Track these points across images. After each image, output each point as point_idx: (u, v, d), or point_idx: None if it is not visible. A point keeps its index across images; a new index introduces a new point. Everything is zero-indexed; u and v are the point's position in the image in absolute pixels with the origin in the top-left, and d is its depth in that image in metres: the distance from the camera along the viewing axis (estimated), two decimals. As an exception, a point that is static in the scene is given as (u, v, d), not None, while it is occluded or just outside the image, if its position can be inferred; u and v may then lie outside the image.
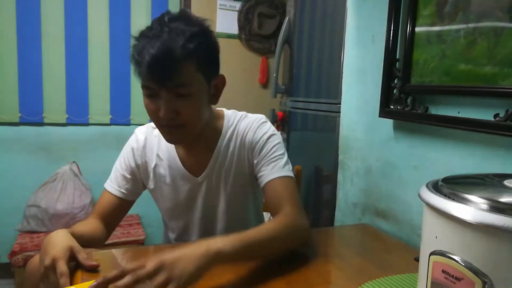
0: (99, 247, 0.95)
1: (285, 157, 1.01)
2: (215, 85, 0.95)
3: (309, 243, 0.95)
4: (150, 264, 0.66)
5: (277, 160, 0.99)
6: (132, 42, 0.88)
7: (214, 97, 0.97)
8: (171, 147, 1.04)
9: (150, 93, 0.88)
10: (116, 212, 1.04)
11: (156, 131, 1.05)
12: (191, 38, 0.84)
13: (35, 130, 2.44)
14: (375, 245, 1.09)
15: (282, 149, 1.02)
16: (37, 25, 2.37)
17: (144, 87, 0.88)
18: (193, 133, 0.94)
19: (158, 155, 1.04)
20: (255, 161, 1.01)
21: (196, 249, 0.71)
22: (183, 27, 0.85)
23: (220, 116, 1.05)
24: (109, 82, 2.56)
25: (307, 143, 2.03)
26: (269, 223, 0.88)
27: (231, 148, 1.03)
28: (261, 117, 1.06)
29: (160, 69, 0.82)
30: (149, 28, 0.86)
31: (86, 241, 0.89)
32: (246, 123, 1.04)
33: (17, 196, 2.35)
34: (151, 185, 1.06)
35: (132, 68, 0.89)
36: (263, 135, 1.01)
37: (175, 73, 0.84)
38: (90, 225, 0.97)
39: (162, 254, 0.69)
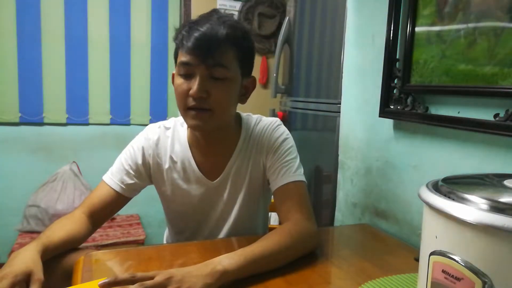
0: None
1: (297, 161, 1.01)
2: (245, 86, 0.98)
3: (318, 247, 0.95)
4: (160, 276, 0.68)
5: (289, 164, 0.99)
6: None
7: (243, 97, 0.99)
8: (186, 149, 1.02)
9: (186, 71, 0.89)
10: (110, 207, 1.00)
11: (169, 131, 1.04)
12: (237, 28, 0.91)
13: (35, 130, 2.44)
14: (375, 245, 1.09)
15: (294, 153, 1.02)
16: (37, 25, 2.37)
17: (182, 64, 0.89)
18: (218, 123, 0.93)
19: (171, 157, 1.02)
20: (268, 165, 1.01)
21: (202, 269, 0.72)
22: (231, 19, 0.92)
23: (237, 119, 1.05)
24: (109, 82, 2.56)
25: (307, 143, 2.03)
26: (275, 234, 0.86)
27: (247, 152, 1.02)
28: (276, 120, 1.06)
29: (204, 44, 0.86)
30: (197, 17, 0.93)
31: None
32: (261, 126, 1.04)
33: (17, 196, 2.36)
34: (166, 189, 1.04)
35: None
36: (277, 139, 1.01)
37: (217, 52, 0.87)
38: (71, 226, 0.90)
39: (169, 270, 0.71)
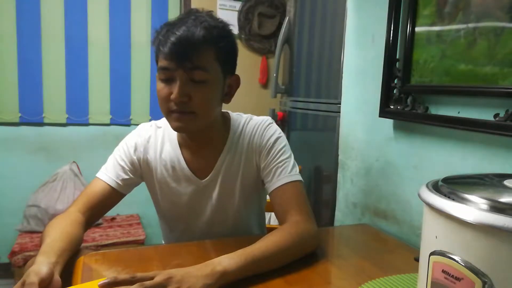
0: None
1: (292, 160, 1.01)
2: (229, 84, 0.97)
3: (318, 248, 0.95)
4: (159, 276, 0.68)
5: (284, 164, 0.98)
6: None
7: (227, 96, 0.98)
8: (176, 148, 1.02)
9: (166, 76, 0.89)
10: (105, 204, 0.98)
11: (160, 131, 1.05)
12: (214, 28, 0.89)
13: (35, 130, 2.44)
14: (375, 245, 1.09)
15: (288, 152, 1.01)
16: (37, 25, 2.37)
17: (161, 69, 0.89)
18: (201, 124, 0.93)
19: (161, 155, 1.03)
20: (262, 165, 1.01)
21: (202, 269, 0.72)
22: (208, 18, 0.90)
23: (227, 119, 1.05)
24: (109, 82, 2.56)
25: (307, 143, 2.03)
26: (275, 234, 0.86)
27: (238, 151, 1.02)
28: (267, 119, 1.05)
29: (180, 48, 0.86)
30: (175, 18, 0.92)
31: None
32: (252, 125, 1.03)
33: (17, 196, 2.36)
34: (155, 187, 1.05)
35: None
36: (269, 138, 1.01)
37: (194, 55, 0.87)
38: (68, 230, 0.86)
39: (169, 270, 0.70)
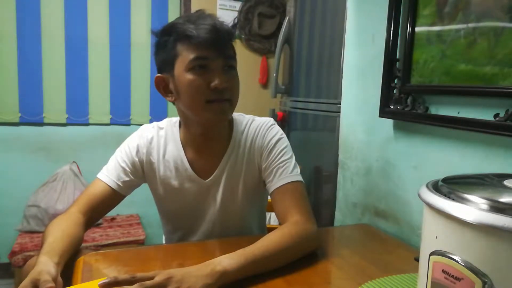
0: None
1: (293, 161, 1.01)
2: None
3: (318, 248, 0.95)
4: (159, 276, 0.68)
5: (285, 165, 0.99)
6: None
7: None
8: (180, 148, 1.02)
9: (202, 64, 0.89)
10: (105, 205, 0.98)
11: (163, 132, 1.04)
12: (227, 24, 0.93)
13: (35, 130, 2.44)
14: (375, 245, 1.09)
15: (289, 153, 1.02)
16: (37, 25, 2.37)
17: (198, 59, 0.89)
18: (232, 112, 0.97)
19: (164, 157, 1.03)
20: (263, 166, 1.01)
21: (202, 269, 0.72)
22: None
23: (230, 119, 1.05)
24: (109, 82, 2.56)
25: (307, 143, 2.03)
26: (275, 234, 0.86)
27: (240, 152, 1.02)
28: (269, 120, 1.06)
29: (219, 37, 0.88)
30: (188, 15, 0.95)
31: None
32: (254, 127, 1.04)
33: (17, 196, 2.36)
34: (158, 188, 1.04)
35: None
36: (271, 139, 1.01)
37: (230, 43, 0.91)
38: (69, 231, 0.86)
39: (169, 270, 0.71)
